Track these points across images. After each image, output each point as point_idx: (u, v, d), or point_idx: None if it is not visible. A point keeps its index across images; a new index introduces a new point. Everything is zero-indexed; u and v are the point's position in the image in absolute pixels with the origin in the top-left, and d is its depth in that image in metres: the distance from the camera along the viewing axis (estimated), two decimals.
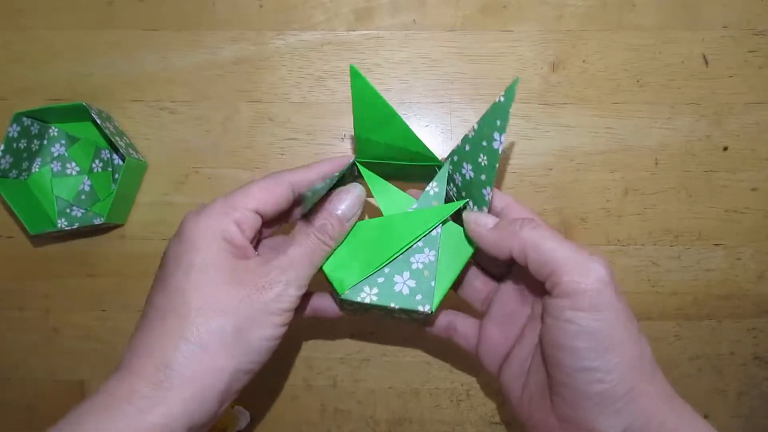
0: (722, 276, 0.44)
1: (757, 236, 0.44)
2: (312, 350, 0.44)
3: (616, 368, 0.24)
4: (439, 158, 0.32)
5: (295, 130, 0.44)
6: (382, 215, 0.32)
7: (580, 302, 0.24)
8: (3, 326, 0.45)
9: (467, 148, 0.29)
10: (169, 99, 0.45)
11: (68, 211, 0.44)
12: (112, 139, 0.40)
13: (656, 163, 0.44)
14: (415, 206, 0.31)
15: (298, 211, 0.33)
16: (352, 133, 0.44)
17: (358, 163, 0.32)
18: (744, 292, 0.44)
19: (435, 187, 0.31)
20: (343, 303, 0.30)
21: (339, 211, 0.29)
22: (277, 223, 0.33)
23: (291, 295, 0.27)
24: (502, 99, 0.26)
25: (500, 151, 0.27)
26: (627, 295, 0.43)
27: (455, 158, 0.31)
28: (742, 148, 0.44)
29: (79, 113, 0.42)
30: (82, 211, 0.44)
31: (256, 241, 0.31)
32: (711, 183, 0.44)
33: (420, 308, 0.29)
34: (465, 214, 0.30)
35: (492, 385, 0.44)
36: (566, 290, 0.24)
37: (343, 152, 0.44)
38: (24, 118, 0.41)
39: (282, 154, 0.44)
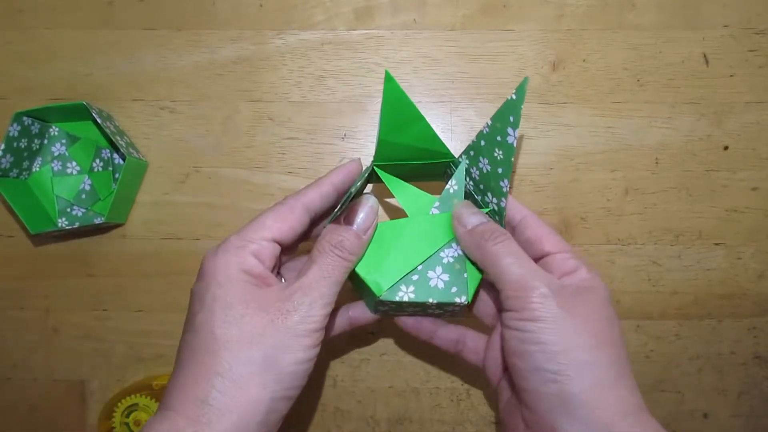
0: (723, 275, 0.44)
1: (758, 235, 0.44)
2: None
3: (566, 370, 0.25)
4: (454, 155, 0.33)
5: (295, 130, 0.44)
6: (402, 215, 0.32)
7: (526, 314, 0.26)
8: (3, 326, 0.44)
9: (482, 143, 0.30)
10: (169, 98, 0.45)
11: (69, 210, 0.44)
12: (113, 139, 0.40)
13: (656, 163, 0.44)
14: (437, 204, 0.32)
15: (317, 229, 0.34)
16: (353, 133, 0.44)
17: (375, 168, 0.33)
18: (744, 292, 0.44)
19: (454, 185, 0.32)
20: (378, 304, 0.31)
21: (354, 225, 0.29)
22: (296, 246, 0.33)
23: (317, 314, 0.26)
24: (514, 96, 0.27)
25: (515, 145, 0.28)
26: (627, 294, 0.43)
27: (471, 153, 0.32)
28: (743, 148, 0.44)
29: (79, 113, 0.42)
30: (83, 210, 0.44)
31: (278, 267, 0.31)
32: (711, 182, 0.44)
33: (457, 300, 0.30)
34: (455, 208, 0.31)
35: (492, 385, 0.44)
36: (513, 304, 0.26)
37: (343, 152, 0.44)
38: (24, 118, 0.41)
39: (283, 154, 0.44)
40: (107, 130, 0.40)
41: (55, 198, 0.44)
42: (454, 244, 0.31)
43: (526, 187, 0.44)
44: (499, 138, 0.29)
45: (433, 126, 0.44)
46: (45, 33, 0.45)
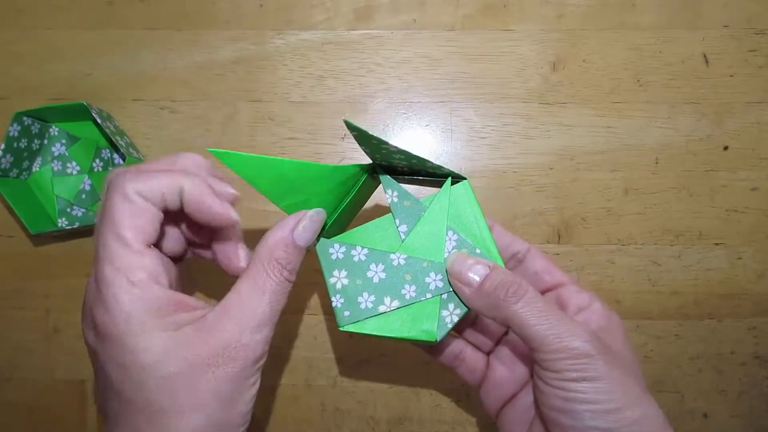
0: (723, 275, 0.44)
1: (758, 236, 0.44)
2: (312, 350, 0.44)
3: (619, 429, 0.23)
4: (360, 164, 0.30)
5: (295, 130, 0.44)
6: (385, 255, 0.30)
7: (570, 375, 0.24)
8: (3, 326, 0.44)
9: (377, 156, 0.29)
10: (169, 98, 0.44)
11: (69, 210, 0.44)
12: (113, 139, 0.40)
13: (657, 163, 0.44)
14: (398, 223, 0.30)
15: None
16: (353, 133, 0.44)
17: (322, 240, 0.30)
18: (744, 292, 0.44)
19: (394, 195, 0.30)
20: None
21: (303, 242, 0.26)
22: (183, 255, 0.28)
23: (264, 351, 0.24)
24: (355, 133, 0.25)
25: (402, 147, 0.26)
26: (627, 294, 0.43)
27: (378, 156, 0.29)
28: (743, 148, 0.44)
29: (79, 113, 0.42)
30: (83, 210, 0.44)
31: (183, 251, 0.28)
32: (711, 182, 0.44)
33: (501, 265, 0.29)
34: (448, 264, 0.28)
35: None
36: (552, 365, 0.24)
37: (343, 152, 0.44)
38: (24, 118, 0.41)
39: (283, 154, 0.44)
40: (107, 130, 0.40)
41: (55, 198, 0.44)
42: (446, 236, 0.29)
43: (526, 187, 0.44)
44: (384, 150, 0.27)
45: (433, 126, 0.45)
46: (45, 33, 0.45)
